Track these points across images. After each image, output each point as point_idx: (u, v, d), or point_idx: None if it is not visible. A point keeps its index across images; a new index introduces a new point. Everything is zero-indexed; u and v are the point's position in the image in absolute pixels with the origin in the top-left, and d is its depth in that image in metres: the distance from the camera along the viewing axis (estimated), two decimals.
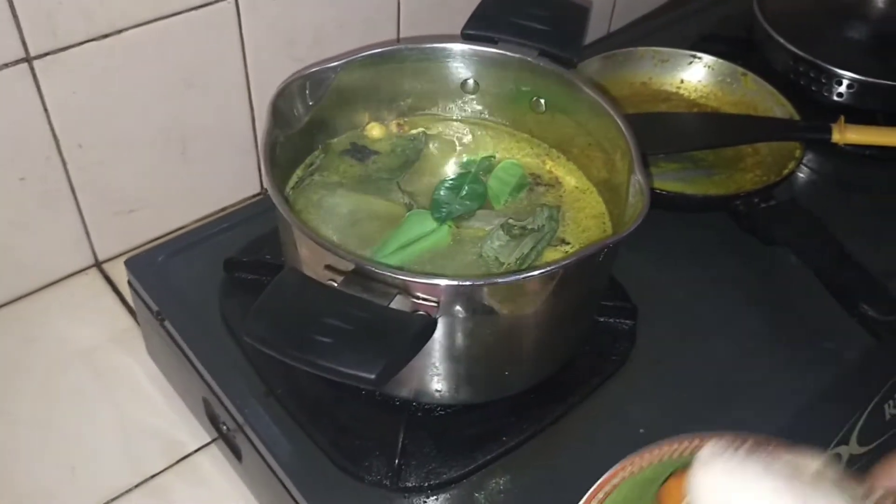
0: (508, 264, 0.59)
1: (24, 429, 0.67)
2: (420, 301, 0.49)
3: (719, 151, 0.80)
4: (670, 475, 0.48)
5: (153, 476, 0.65)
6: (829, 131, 0.79)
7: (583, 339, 0.63)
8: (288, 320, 0.45)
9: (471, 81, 0.67)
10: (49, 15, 0.63)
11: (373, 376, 0.42)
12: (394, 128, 0.68)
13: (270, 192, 0.51)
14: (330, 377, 0.43)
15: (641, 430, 0.60)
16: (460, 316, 0.51)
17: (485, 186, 0.65)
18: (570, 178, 0.66)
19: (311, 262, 0.53)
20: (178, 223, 0.81)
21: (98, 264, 0.78)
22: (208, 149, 0.78)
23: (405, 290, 0.48)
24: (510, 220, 0.61)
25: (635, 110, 0.83)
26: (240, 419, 0.59)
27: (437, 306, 0.49)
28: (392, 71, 0.65)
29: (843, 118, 0.79)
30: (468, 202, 0.63)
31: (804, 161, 0.80)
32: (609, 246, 0.52)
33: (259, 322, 0.45)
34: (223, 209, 0.83)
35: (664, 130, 0.80)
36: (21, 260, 0.73)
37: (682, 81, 0.87)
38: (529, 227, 0.61)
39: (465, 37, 0.64)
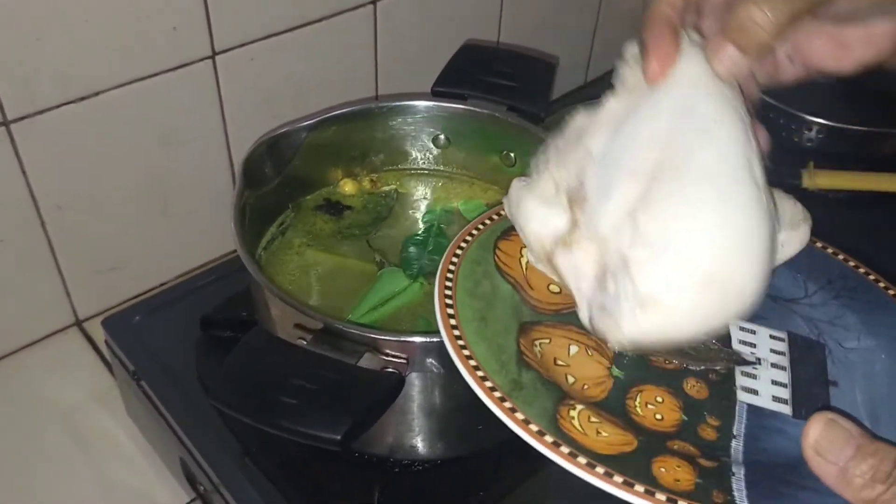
0: None
1: (2, 489, 0.66)
2: (389, 358, 0.49)
3: None
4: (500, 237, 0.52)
5: None
6: (799, 177, 0.80)
7: None
8: (253, 383, 0.45)
9: (442, 137, 0.68)
10: (26, 80, 0.63)
11: (338, 437, 0.42)
12: (367, 184, 0.69)
13: (240, 254, 0.52)
14: (296, 439, 0.43)
15: None
16: (430, 372, 0.51)
17: (449, 239, 0.65)
18: None
19: (281, 320, 0.53)
20: (159, 280, 0.81)
21: (78, 323, 0.78)
22: (189, 206, 0.79)
23: (374, 347, 0.49)
24: None
25: None
26: (215, 479, 0.58)
27: (407, 363, 0.49)
28: (363, 128, 0.66)
29: (811, 164, 0.80)
30: (436, 257, 0.64)
31: None
32: None
33: (225, 386, 0.45)
34: (205, 264, 0.83)
35: None
36: (0, 320, 0.73)
37: None
38: None
39: (435, 93, 0.66)
